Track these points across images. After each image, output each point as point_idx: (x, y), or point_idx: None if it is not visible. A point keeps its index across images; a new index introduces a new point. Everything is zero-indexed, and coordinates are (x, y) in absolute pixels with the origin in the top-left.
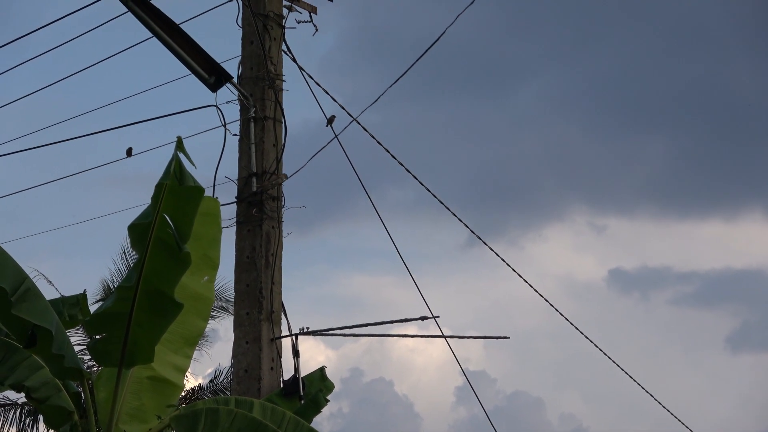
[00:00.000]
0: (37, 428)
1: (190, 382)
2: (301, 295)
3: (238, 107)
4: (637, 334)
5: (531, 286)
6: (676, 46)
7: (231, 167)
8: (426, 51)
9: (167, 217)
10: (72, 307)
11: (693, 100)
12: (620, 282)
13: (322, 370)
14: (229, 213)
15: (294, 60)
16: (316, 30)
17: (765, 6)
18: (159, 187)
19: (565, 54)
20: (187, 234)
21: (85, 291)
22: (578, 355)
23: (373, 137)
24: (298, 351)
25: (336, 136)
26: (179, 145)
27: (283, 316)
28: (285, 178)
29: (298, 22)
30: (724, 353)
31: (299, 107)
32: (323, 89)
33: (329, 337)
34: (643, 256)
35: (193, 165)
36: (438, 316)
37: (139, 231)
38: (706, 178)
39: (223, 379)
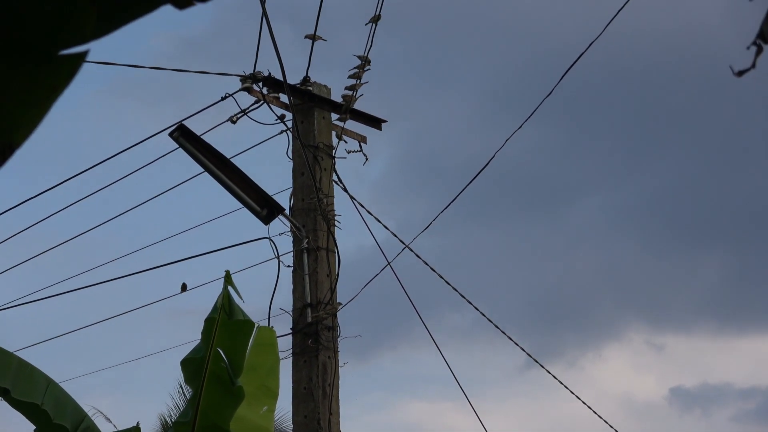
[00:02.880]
0: None
1: None
2: (360, 424)
3: (291, 239)
4: None
5: (590, 408)
6: (731, 161)
7: (285, 298)
8: (476, 176)
9: (221, 351)
10: None
11: (747, 214)
12: (681, 400)
13: None
14: (284, 344)
15: (345, 190)
16: (366, 159)
17: None
18: (209, 321)
19: (618, 172)
20: (239, 368)
21: (138, 423)
22: None
23: (426, 263)
24: None
25: (389, 263)
26: (227, 279)
27: None
28: (339, 307)
29: (348, 152)
30: None
31: (352, 234)
32: (375, 217)
33: None
34: (704, 374)
35: (242, 299)
36: None
37: (193, 366)
38: (764, 292)
39: None
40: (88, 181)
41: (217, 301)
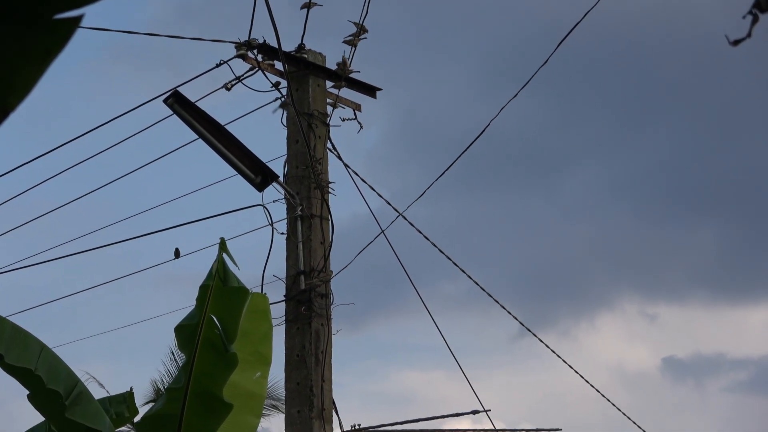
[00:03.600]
0: None
1: None
2: (352, 392)
3: (285, 206)
4: (692, 422)
5: (582, 377)
6: (727, 132)
7: (279, 265)
8: (470, 144)
9: (215, 318)
10: (119, 405)
11: (741, 186)
12: (674, 370)
13: None
14: (278, 311)
15: (339, 158)
16: (361, 127)
17: None
18: (203, 288)
19: (613, 142)
20: (233, 335)
21: (131, 388)
22: None
23: (420, 232)
24: None
25: (383, 231)
26: (222, 246)
27: (334, 414)
28: (332, 275)
29: (343, 120)
30: None
31: (346, 202)
32: (369, 185)
33: None
34: (697, 344)
35: (236, 266)
36: (489, 410)
37: (186, 332)
38: (758, 263)
39: None
40: (82, 146)
41: (211, 268)
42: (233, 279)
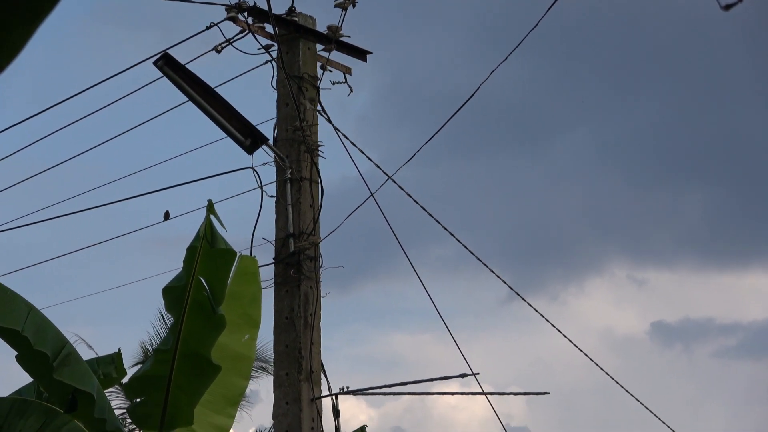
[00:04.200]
0: None
1: None
2: (341, 355)
3: (275, 169)
4: (680, 387)
5: (570, 341)
6: (716, 97)
7: (268, 228)
8: (460, 108)
9: (202, 280)
10: (107, 365)
11: (730, 150)
12: (662, 335)
13: (363, 429)
14: (267, 274)
15: (329, 121)
16: (351, 91)
17: None
18: (191, 250)
19: (602, 107)
20: (221, 296)
21: (119, 349)
22: (621, 410)
23: (410, 195)
24: (338, 411)
25: (372, 195)
26: (210, 208)
27: (322, 376)
28: (322, 238)
29: (333, 83)
30: None
31: (336, 165)
32: (359, 149)
33: (370, 396)
34: (685, 309)
35: (224, 228)
36: (478, 373)
37: (174, 294)
38: (747, 228)
39: None
40: (71, 108)
41: (199, 230)
42: (221, 241)
